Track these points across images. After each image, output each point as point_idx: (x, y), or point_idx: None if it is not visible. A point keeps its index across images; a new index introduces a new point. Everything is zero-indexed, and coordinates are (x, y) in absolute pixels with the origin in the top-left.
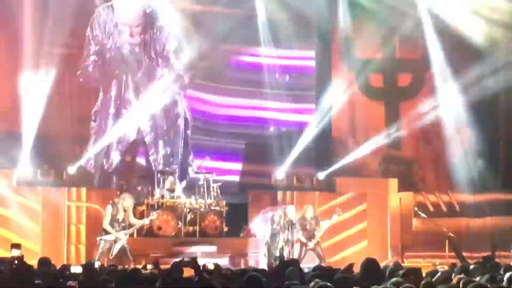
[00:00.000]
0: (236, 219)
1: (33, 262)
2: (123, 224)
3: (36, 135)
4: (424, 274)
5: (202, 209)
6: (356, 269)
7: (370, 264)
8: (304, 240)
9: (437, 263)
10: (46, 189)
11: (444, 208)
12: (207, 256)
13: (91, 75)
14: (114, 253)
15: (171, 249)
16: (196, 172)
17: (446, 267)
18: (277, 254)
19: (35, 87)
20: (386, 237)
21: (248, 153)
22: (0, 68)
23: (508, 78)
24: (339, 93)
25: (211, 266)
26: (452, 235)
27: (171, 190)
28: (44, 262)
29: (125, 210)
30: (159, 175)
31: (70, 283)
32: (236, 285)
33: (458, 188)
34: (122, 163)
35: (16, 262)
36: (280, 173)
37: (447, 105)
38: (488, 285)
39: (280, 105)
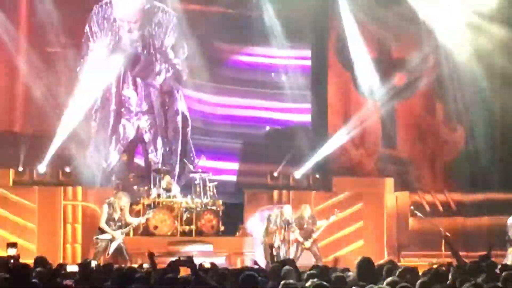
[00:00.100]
0: (233, 219)
1: (29, 261)
2: (119, 223)
3: (33, 134)
4: (420, 273)
5: (198, 209)
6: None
7: (365, 263)
8: (301, 239)
9: (434, 262)
10: (42, 188)
11: (441, 208)
12: (204, 255)
13: (90, 72)
14: (110, 252)
15: (168, 248)
16: (192, 172)
17: (443, 268)
18: (274, 253)
19: (32, 86)
20: (382, 236)
21: (245, 153)
22: None
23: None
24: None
25: (207, 265)
26: (448, 234)
27: (168, 190)
28: (40, 261)
29: (121, 209)
30: (155, 174)
31: (67, 282)
32: (233, 284)
33: (454, 187)
34: (120, 162)
35: (12, 261)
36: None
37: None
38: (484, 285)
39: (277, 105)
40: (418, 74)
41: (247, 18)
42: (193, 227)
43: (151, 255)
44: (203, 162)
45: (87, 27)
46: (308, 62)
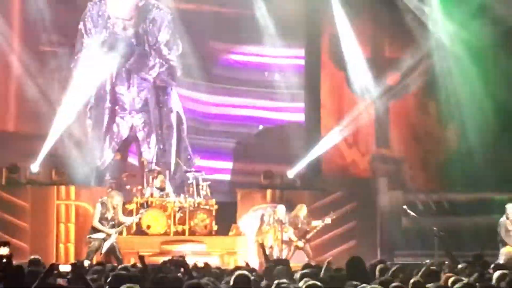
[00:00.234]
0: (226, 218)
1: (22, 260)
2: (112, 222)
3: (26, 133)
4: (413, 273)
5: (191, 208)
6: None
7: (354, 262)
8: (294, 238)
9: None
10: (35, 188)
11: (434, 207)
12: (197, 254)
13: (84, 69)
14: (103, 251)
15: (160, 248)
16: (185, 171)
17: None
18: (267, 253)
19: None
20: (375, 236)
21: (238, 152)
22: None
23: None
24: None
25: (200, 265)
26: (442, 233)
27: (162, 189)
28: (34, 262)
29: (114, 208)
30: (148, 173)
31: (59, 281)
32: (225, 283)
33: (447, 187)
34: (113, 161)
35: (4, 260)
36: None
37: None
38: (477, 284)
39: (270, 104)
40: (411, 74)
41: (240, 17)
42: (186, 226)
43: (141, 258)
44: (197, 161)
45: (81, 24)
46: (302, 62)
